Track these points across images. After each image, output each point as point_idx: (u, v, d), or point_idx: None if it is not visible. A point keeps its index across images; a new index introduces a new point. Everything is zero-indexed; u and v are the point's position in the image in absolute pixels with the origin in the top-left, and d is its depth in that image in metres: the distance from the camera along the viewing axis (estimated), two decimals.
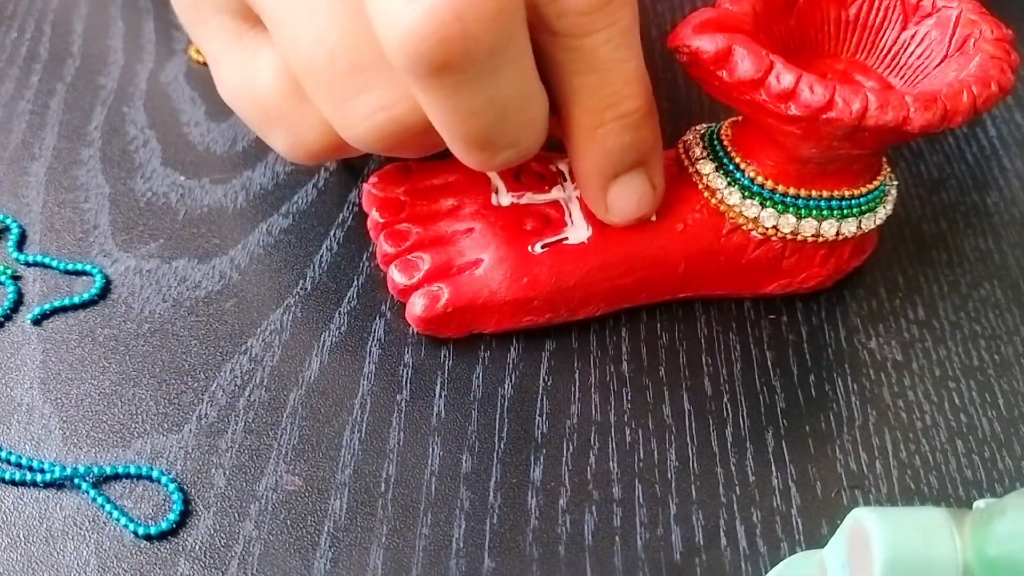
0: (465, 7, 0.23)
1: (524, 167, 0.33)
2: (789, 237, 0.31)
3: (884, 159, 0.32)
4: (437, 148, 0.29)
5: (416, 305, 0.31)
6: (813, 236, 0.31)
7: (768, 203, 0.31)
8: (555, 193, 0.33)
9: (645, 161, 0.30)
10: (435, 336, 0.32)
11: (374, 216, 0.33)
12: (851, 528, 0.23)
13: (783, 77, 0.27)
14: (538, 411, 0.31)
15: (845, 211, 0.31)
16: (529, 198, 0.32)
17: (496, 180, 0.33)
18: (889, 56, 0.31)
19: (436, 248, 0.32)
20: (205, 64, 0.41)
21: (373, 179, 0.34)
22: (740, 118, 0.32)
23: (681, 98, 0.40)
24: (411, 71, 0.24)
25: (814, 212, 0.31)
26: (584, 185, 0.30)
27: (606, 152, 0.29)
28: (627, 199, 0.30)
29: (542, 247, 0.31)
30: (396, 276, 0.32)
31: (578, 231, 0.32)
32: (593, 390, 0.31)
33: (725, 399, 0.31)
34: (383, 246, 0.33)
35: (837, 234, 0.31)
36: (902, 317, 0.34)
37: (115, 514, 0.28)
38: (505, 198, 0.32)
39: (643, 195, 0.30)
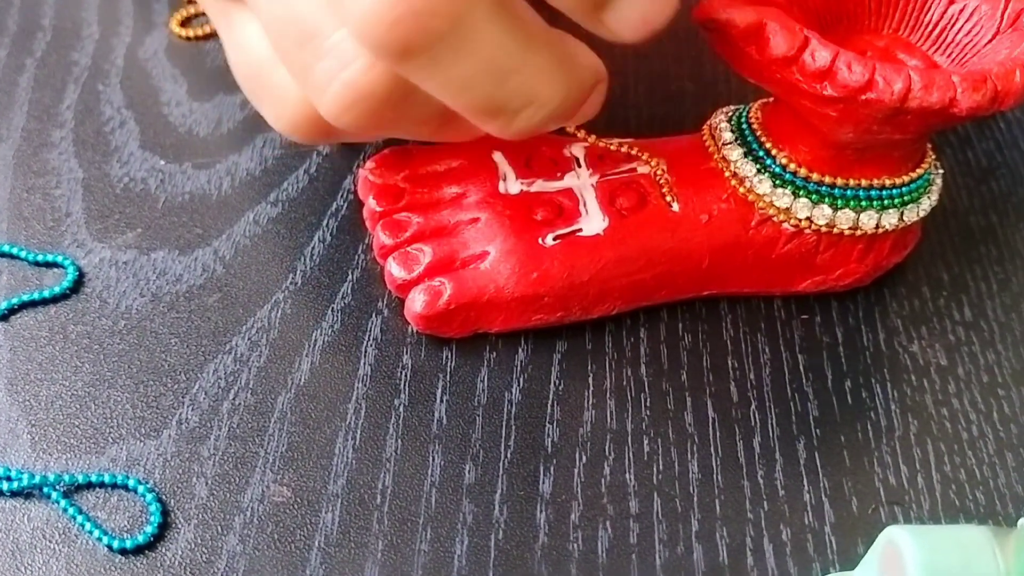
0: None
1: (535, 151, 0.33)
2: (824, 230, 0.31)
3: (929, 145, 0.32)
4: (424, 128, 0.28)
5: (416, 302, 0.31)
6: (850, 229, 0.31)
7: (801, 192, 0.31)
8: (568, 180, 0.33)
9: None
10: (436, 336, 0.32)
11: (371, 204, 0.33)
12: (884, 547, 0.23)
13: (819, 54, 0.27)
14: (548, 418, 0.31)
15: (885, 202, 0.31)
16: (540, 185, 0.32)
17: (504, 166, 0.33)
18: (935, 32, 0.31)
19: (438, 239, 0.32)
20: (188, 38, 0.41)
21: (370, 164, 0.34)
22: (771, 99, 0.32)
23: (707, 77, 0.40)
24: (380, 57, 0.24)
25: (851, 202, 0.31)
26: None
27: None
28: None
29: (554, 239, 0.31)
30: (394, 270, 0.32)
31: (593, 222, 0.32)
32: (608, 395, 0.31)
33: (753, 406, 0.31)
34: (380, 237, 0.33)
35: (876, 227, 0.31)
36: (947, 318, 0.34)
37: (88, 526, 0.28)
38: (514, 185, 0.33)
39: None
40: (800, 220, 0.31)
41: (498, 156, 0.33)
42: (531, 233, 0.31)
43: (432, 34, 0.23)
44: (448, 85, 0.25)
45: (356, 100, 0.26)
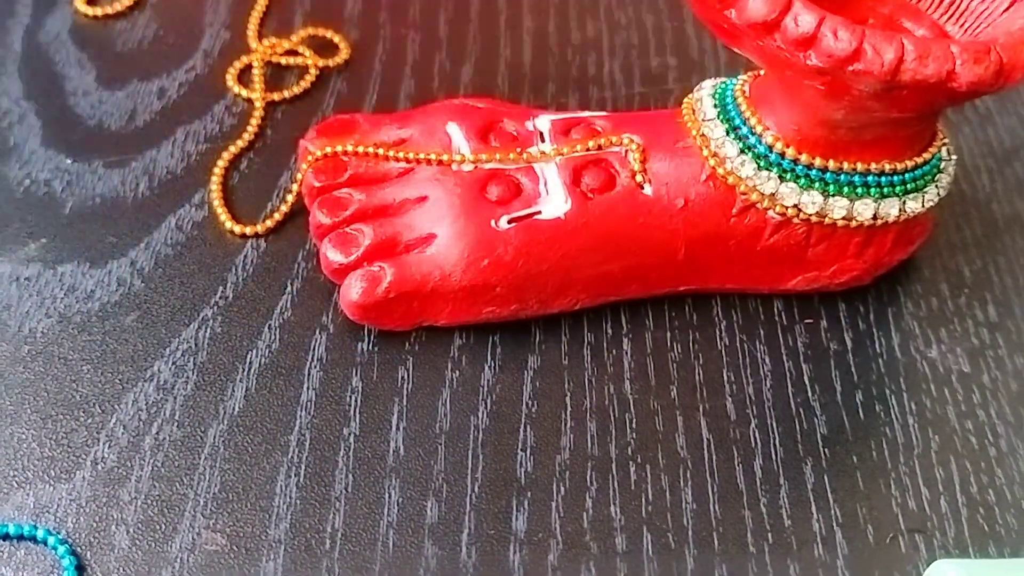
0: None
1: (495, 123, 0.34)
2: (815, 219, 0.31)
3: (940, 125, 0.32)
4: None
5: (352, 288, 0.31)
6: (844, 219, 0.31)
7: (788, 176, 0.31)
8: (529, 156, 0.33)
9: None
10: (377, 327, 0.32)
11: (310, 179, 0.34)
12: None
13: (802, 19, 0.27)
14: (520, 445, 0.31)
15: (885, 189, 0.31)
16: (497, 162, 0.33)
17: (459, 138, 0.33)
18: None
19: (380, 220, 0.32)
20: (96, 17, 0.41)
21: (311, 133, 0.34)
22: (763, 72, 0.32)
23: (692, 51, 0.41)
24: None
25: (845, 189, 0.31)
26: None
27: None
28: None
29: (509, 222, 0.32)
30: (330, 252, 0.32)
31: (554, 203, 0.32)
32: (589, 417, 0.31)
33: (752, 424, 0.31)
34: (317, 215, 0.33)
35: (875, 217, 0.31)
36: (969, 318, 0.34)
37: None
38: (467, 161, 0.33)
39: None
40: (787, 208, 0.31)
41: (452, 127, 0.34)
42: (483, 214, 0.32)
43: None
44: None
45: None
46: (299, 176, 0.34)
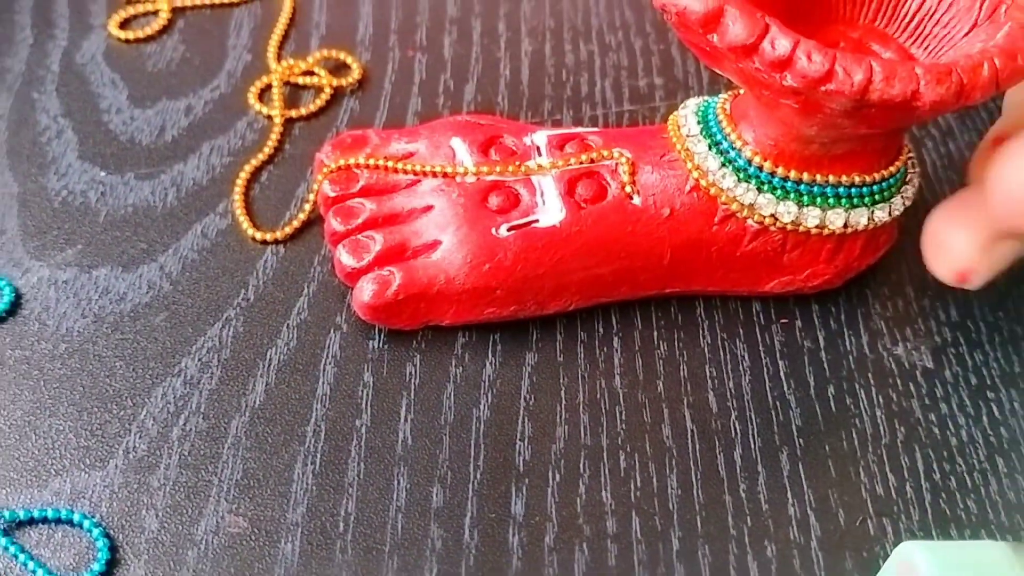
0: None
1: (496, 138, 0.35)
2: (790, 228, 0.32)
3: (905, 140, 0.33)
4: None
5: (364, 291, 0.32)
6: (817, 227, 0.32)
7: (766, 188, 0.32)
8: (527, 169, 0.34)
9: None
10: (387, 326, 0.33)
11: (325, 189, 0.34)
12: (898, 565, 0.24)
13: (778, 43, 0.28)
14: (519, 435, 0.31)
15: (855, 200, 0.32)
16: (497, 174, 0.34)
17: (462, 152, 0.34)
18: (912, 24, 0.32)
19: (389, 227, 0.33)
20: (128, 41, 0.42)
21: (326, 147, 0.35)
22: (742, 91, 0.33)
23: (677, 72, 0.41)
24: None
25: (818, 200, 0.32)
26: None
27: None
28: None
29: (508, 229, 0.33)
30: (344, 257, 0.33)
31: (550, 213, 0.33)
32: (582, 409, 0.32)
33: (733, 416, 0.32)
34: (332, 223, 0.34)
35: (845, 226, 0.32)
36: (932, 318, 0.35)
37: (30, 565, 0.28)
38: (470, 173, 0.34)
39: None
40: (765, 217, 0.32)
41: (456, 142, 0.34)
42: (485, 222, 0.33)
43: None
44: None
45: None
46: (315, 187, 0.35)
